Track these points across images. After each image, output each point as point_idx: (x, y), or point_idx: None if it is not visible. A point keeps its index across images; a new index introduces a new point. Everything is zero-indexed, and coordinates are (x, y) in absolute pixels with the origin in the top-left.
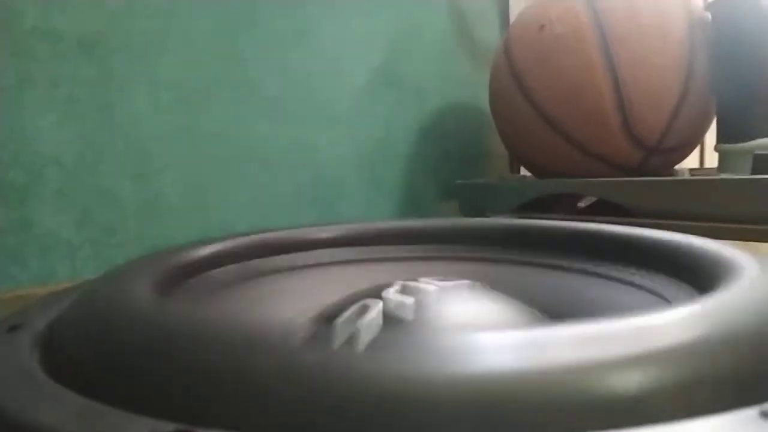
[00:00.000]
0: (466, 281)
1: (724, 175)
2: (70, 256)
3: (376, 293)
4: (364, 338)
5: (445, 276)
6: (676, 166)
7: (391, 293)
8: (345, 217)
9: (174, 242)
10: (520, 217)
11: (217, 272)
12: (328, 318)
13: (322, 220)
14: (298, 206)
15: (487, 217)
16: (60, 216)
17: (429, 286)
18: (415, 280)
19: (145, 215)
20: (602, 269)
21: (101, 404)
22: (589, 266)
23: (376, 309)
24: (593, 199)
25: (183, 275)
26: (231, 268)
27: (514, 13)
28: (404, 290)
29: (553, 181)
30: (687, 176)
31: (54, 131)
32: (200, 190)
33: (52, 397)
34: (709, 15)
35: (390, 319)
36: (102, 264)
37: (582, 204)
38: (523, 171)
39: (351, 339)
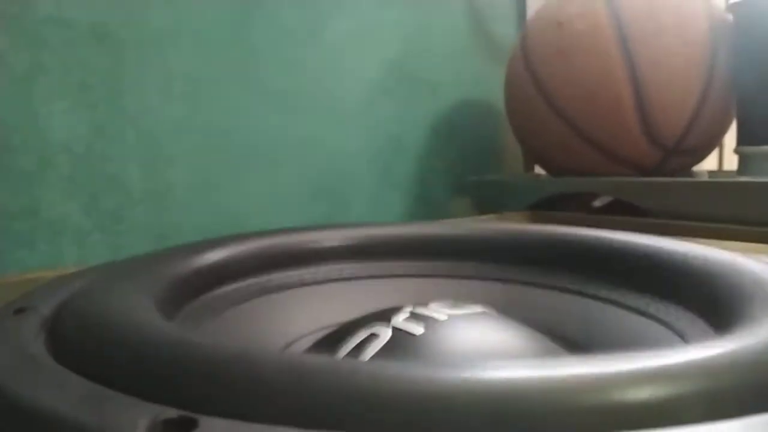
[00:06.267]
0: (479, 308)
1: (743, 178)
2: (79, 242)
3: (384, 318)
4: None
5: (458, 300)
6: (694, 168)
7: (400, 320)
8: (355, 212)
9: (181, 233)
10: (533, 216)
11: (216, 290)
12: (333, 342)
13: (332, 215)
14: (308, 201)
15: (502, 213)
16: (69, 202)
17: (440, 314)
18: (425, 305)
19: (153, 204)
20: (620, 295)
21: (106, 389)
22: (609, 291)
23: (384, 338)
24: (609, 198)
25: (187, 281)
26: (231, 284)
27: (531, 10)
28: (413, 317)
29: (568, 179)
30: (706, 178)
31: (65, 118)
32: (209, 182)
33: (56, 381)
34: (730, 16)
35: (398, 348)
36: (110, 250)
37: (597, 203)
38: (538, 169)
39: None
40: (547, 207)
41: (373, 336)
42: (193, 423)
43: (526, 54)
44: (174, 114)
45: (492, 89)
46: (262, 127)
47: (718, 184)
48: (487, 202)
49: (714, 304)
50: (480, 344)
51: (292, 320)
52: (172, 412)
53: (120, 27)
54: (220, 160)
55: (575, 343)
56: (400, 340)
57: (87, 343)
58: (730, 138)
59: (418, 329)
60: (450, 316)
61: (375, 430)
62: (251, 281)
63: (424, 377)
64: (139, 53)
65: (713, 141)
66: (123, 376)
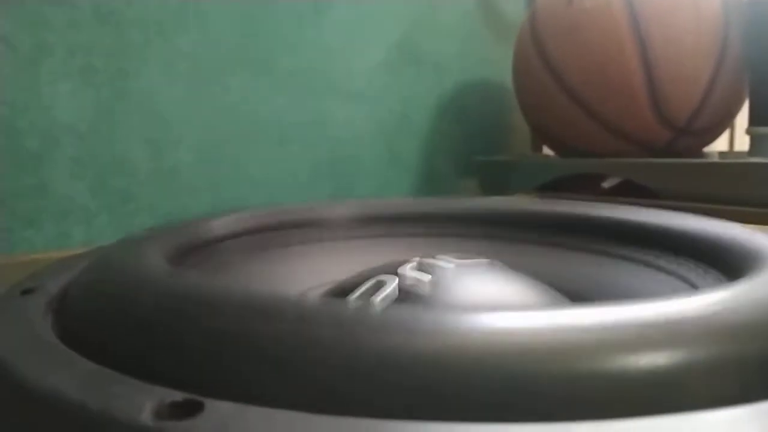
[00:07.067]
0: (485, 260)
1: (755, 159)
2: (86, 222)
3: (392, 270)
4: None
5: (464, 254)
6: (705, 149)
7: (408, 270)
8: (361, 194)
9: (187, 213)
10: (541, 197)
11: (229, 246)
12: (342, 293)
13: (337, 196)
14: (314, 182)
15: (509, 195)
16: (75, 183)
17: (447, 263)
18: (432, 257)
19: (159, 185)
20: (626, 252)
21: (112, 371)
22: (613, 249)
23: (391, 285)
24: (617, 179)
25: (195, 248)
26: (243, 243)
27: None
28: (421, 267)
29: (577, 160)
30: (717, 159)
31: (70, 99)
32: (215, 163)
33: (62, 362)
34: None
35: (405, 296)
36: (117, 230)
37: (606, 184)
38: (546, 150)
39: None
40: (555, 188)
41: (381, 288)
42: (199, 406)
43: (534, 31)
44: (179, 94)
45: (500, 67)
46: (268, 107)
47: (729, 166)
48: (493, 183)
49: (724, 255)
50: (487, 294)
51: (299, 276)
52: (177, 395)
53: (124, 7)
54: (226, 141)
55: (581, 294)
56: (409, 292)
57: (93, 325)
58: (742, 118)
59: (425, 279)
60: (457, 266)
61: (382, 414)
62: (260, 238)
63: (435, 374)
64: (143, 34)
65: (725, 121)
66: (129, 359)
